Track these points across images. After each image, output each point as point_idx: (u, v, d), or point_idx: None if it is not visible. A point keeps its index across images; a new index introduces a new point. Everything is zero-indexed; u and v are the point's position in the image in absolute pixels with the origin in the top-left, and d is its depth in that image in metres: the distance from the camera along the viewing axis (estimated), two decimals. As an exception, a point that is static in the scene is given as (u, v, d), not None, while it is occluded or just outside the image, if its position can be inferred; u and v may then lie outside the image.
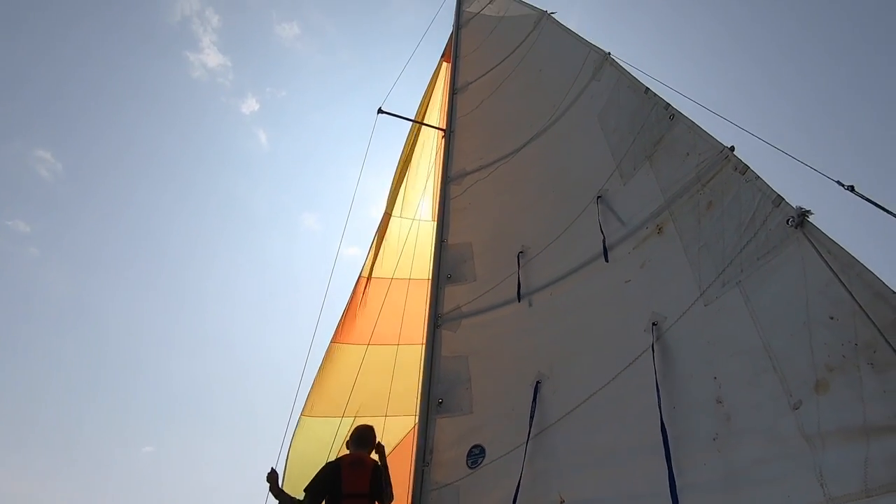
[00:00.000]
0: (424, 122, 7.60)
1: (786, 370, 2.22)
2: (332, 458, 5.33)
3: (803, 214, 2.38)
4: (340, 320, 6.76)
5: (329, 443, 5.77)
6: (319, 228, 26.76)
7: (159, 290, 23.47)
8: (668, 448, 2.45)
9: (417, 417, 4.48)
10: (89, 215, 23.33)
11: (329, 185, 27.13)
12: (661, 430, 2.52)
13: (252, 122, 25.08)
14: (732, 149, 3.06)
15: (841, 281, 2.11)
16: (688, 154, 3.27)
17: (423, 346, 4.88)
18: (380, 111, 7.25)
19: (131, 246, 23.33)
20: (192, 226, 24.72)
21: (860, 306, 2.01)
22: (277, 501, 3.84)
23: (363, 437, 4.23)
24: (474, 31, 7.66)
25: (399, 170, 7.66)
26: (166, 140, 23.31)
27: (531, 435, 3.38)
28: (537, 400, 3.53)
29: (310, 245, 27.07)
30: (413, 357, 5.74)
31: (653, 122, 3.65)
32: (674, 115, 3.56)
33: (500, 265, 4.62)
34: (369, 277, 7.02)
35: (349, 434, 4.42)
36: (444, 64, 8.53)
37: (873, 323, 1.95)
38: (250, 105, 24.71)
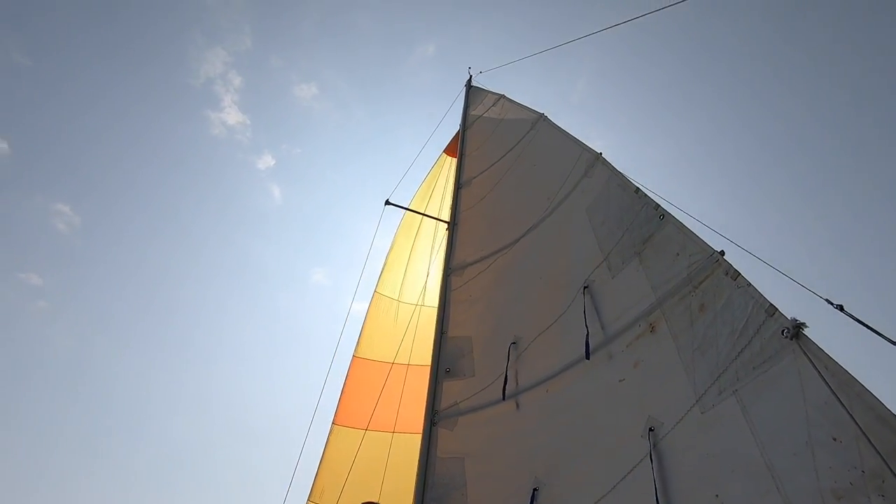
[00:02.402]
0: (428, 213, 7.87)
1: (791, 494, 2.07)
2: None
3: (798, 327, 2.34)
4: (339, 400, 6.70)
5: None
6: (328, 284, 26.84)
7: (167, 349, 23.24)
8: None
9: None
10: (102, 271, 23.64)
11: (339, 241, 27.54)
12: None
13: (267, 178, 26.13)
14: (723, 253, 3.08)
15: (840, 401, 2.02)
16: (678, 254, 3.30)
17: (420, 442, 4.67)
18: (387, 203, 7.56)
19: (142, 303, 23.40)
20: (204, 282, 24.94)
21: (862, 431, 1.90)
22: None
23: None
24: (478, 131, 8.15)
25: (395, 252, 7.92)
26: (183, 195, 24.19)
27: None
28: None
29: (319, 300, 27.01)
30: (407, 446, 5.58)
31: (643, 220, 3.72)
32: (664, 215, 3.64)
33: (497, 360, 4.52)
34: (364, 359, 7.06)
35: None
36: (446, 157, 9.02)
37: (877, 450, 1.83)
38: (266, 161, 25.89)
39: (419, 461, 4.50)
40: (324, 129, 26.51)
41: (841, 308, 2.28)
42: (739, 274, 2.88)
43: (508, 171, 6.22)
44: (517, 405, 3.99)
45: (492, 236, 5.72)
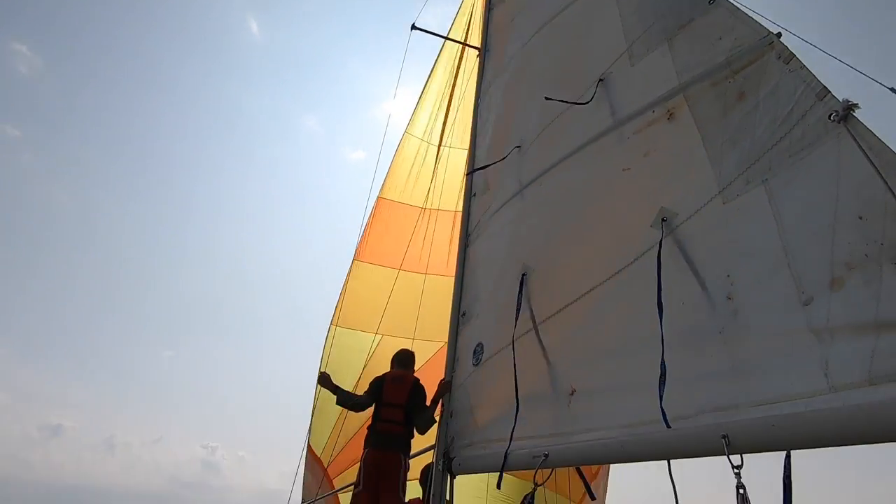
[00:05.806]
0: (456, 39, 7.21)
1: (801, 268, 2.07)
2: (363, 367, 5.94)
3: (849, 108, 2.09)
4: (363, 239, 6.99)
5: (361, 353, 6.29)
6: (321, 131, 26.04)
7: (158, 202, 23.54)
8: (664, 340, 2.38)
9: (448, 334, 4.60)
10: (77, 117, 22.94)
11: (328, 82, 26.09)
12: (659, 318, 2.43)
13: (243, 8, 23.64)
14: (779, 35, 2.67)
15: (882, 177, 1.88)
16: (720, 38, 2.88)
17: (455, 268, 4.92)
18: (413, 27, 6.97)
19: (120, 152, 22.95)
20: (185, 127, 24.49)
21: None
22: (336, 396, 4.38)
23: (405, 359, 4.81)
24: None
25: (426, 92, 7.46)
26: (150, 30, 22.53)
27: (525, 328, 3.39)
28: (524, 293, 3.50)
29: (312, 149, 26.34)
30: (439, 286, 5.92)
31: (685, 5, 3.22)
32: None
33: (506, 161, 4.53)
34: (391, 201, 7.12)
35: (394, 355, 4.86)
36: None
37: None
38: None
39: (455, 278, 4.80)
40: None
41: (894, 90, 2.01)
42: (794, 56, 2.52)
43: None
44: (517, 199, 4.10)
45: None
